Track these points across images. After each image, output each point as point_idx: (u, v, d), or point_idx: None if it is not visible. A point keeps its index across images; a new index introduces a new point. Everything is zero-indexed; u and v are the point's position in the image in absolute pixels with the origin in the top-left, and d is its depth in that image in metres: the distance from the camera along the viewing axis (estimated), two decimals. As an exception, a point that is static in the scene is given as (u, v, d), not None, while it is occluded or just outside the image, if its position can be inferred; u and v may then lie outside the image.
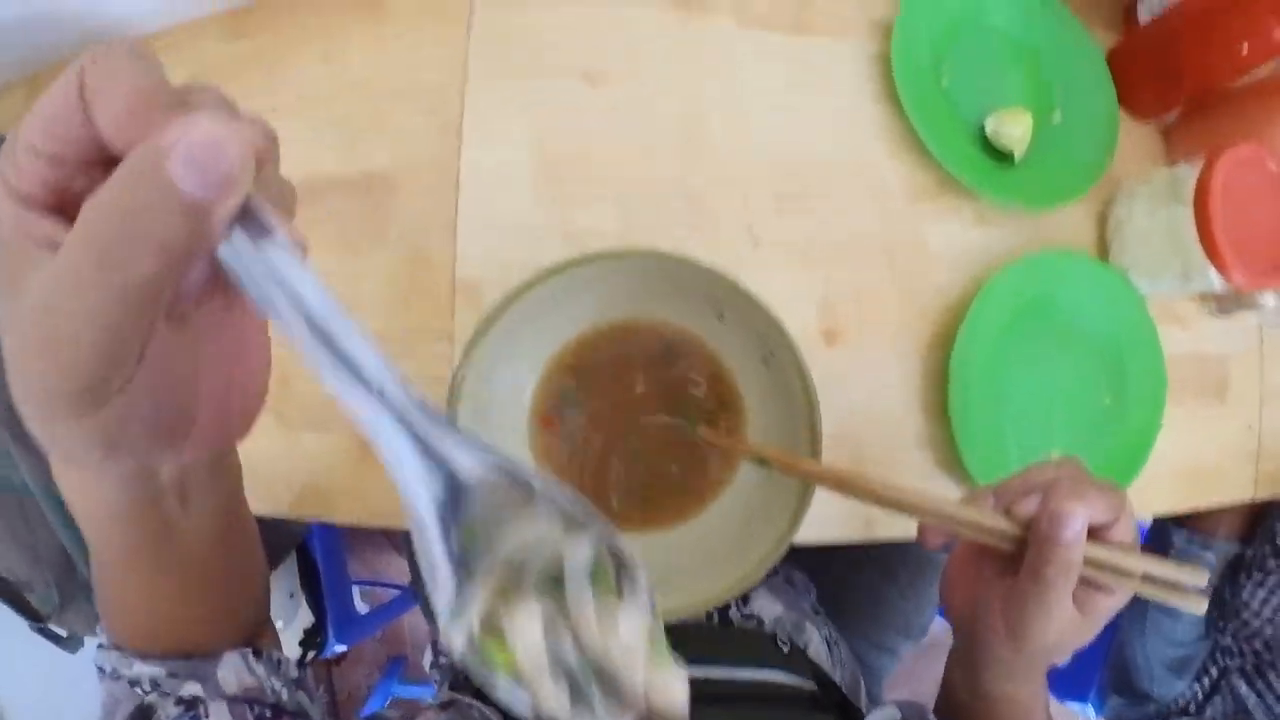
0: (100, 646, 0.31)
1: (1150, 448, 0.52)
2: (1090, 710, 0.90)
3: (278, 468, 0.47)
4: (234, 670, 0.32)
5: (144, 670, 0.30)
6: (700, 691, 0.42)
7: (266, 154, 0.17)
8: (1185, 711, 0.73)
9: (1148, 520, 0.71)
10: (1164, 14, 0.50)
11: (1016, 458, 0.50)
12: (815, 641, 0.53)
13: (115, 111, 0.15)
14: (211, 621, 0.32)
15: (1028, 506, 0.31)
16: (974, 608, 0.35)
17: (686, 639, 0.47)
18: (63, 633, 0.59)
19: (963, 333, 0.48)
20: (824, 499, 0.39)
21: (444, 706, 0.33)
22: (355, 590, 1.08)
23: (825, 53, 0.52)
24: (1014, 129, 0.50)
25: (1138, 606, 0.72)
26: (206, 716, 0.30)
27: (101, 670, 0.31)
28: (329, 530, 0.97)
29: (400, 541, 1.28)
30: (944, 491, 0.51)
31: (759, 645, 0.49)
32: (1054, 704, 0.85)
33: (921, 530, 0.34)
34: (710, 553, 0.44)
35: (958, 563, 0.38)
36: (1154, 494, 0.55)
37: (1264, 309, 0.53)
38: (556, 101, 0.49)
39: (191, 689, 0.30)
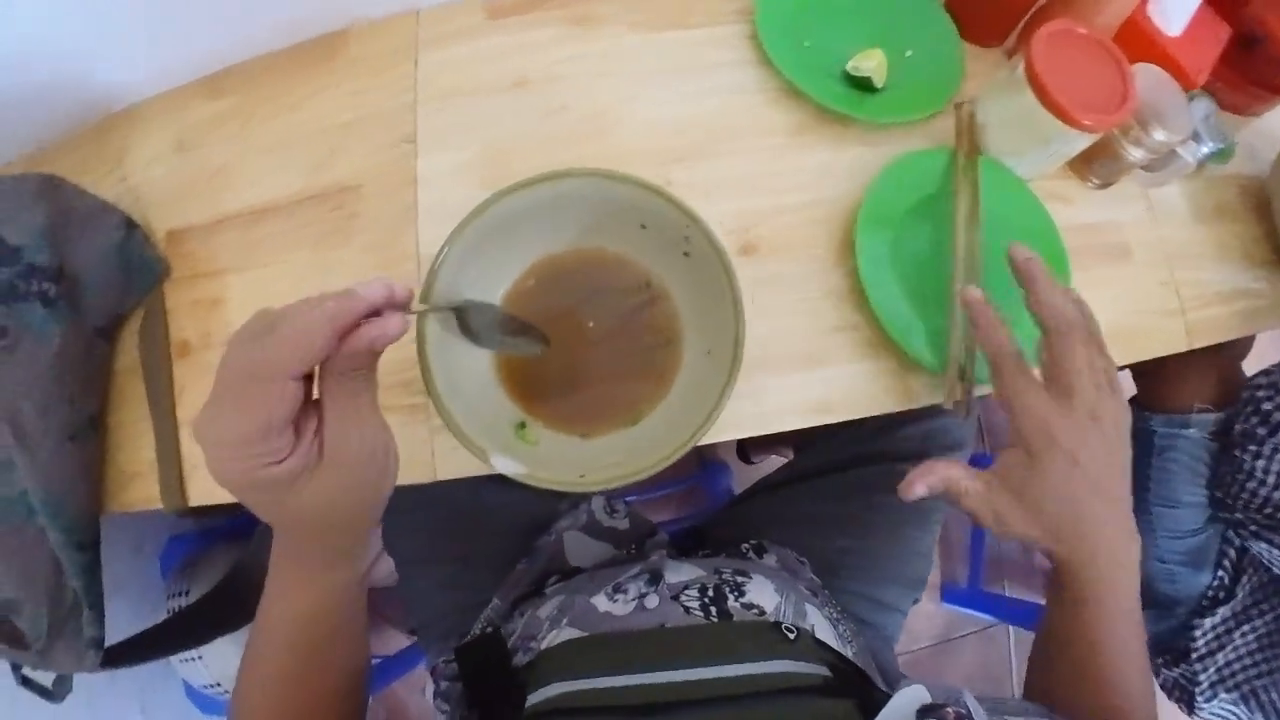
0: None
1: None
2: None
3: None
4: None
5: None
6: (707, 693, 0.44)
7: None
8: (1216, 600, 0.70)
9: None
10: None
11: (939, 324, 0.55)
12: (819, 622, 0.51)
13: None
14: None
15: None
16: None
17: (690, 642, 0.47)
18: (47, 683, 0.56)
19: (860, 222, 0.55)
20: (768, 394, 0.45)
21: None
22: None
23: (706, 39, 0.63)
24: (869, 62, 0.59)
25: (1138, 510, 0.71)
26: None
27: None
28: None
29: (392, 613, 1.28)
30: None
31: (764, 636, 0.47)
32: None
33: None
34: (663, 436, 0.49)
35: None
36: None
37: (1135, 170, 0.59)
38: (492, 110, 0.60)
39: None
